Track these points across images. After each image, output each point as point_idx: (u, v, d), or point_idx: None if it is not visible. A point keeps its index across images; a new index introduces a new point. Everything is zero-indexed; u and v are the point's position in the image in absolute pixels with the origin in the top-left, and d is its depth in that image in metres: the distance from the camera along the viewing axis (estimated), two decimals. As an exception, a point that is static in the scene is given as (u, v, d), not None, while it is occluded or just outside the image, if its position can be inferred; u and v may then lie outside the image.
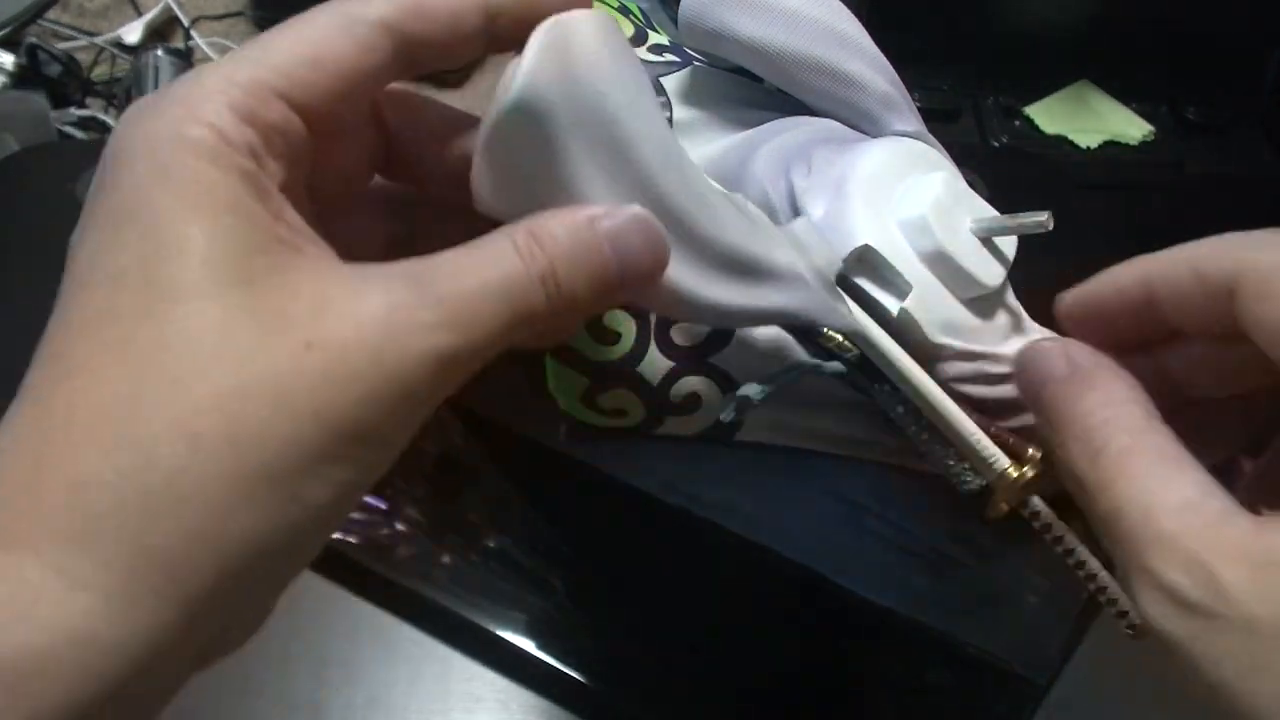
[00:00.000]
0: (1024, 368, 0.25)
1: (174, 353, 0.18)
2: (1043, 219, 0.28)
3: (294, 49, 0.21)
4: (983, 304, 0.29)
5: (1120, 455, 0.21)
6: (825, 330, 0.27)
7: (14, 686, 0.17)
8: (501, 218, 0.23)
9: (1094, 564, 0.27)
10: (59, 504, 0.18)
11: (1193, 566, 0.19)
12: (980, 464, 0.27)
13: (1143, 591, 0.20)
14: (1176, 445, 0.21)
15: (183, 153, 0.20)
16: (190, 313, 0.19)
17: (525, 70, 0.22)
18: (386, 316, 0.19)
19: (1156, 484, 0.21)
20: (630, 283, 0.22)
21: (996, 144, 0.87)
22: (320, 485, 0.19)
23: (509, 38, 0.23)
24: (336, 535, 0.41)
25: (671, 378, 0.29)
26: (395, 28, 0.22)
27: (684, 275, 0.24)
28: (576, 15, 0.22)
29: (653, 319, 0.30)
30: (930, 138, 0.32)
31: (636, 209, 0.22)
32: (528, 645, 0.39)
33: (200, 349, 0.18)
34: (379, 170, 0.26)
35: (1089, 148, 0.86)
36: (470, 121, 0.25)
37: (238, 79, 0.21)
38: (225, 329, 0.19)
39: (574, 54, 0.22)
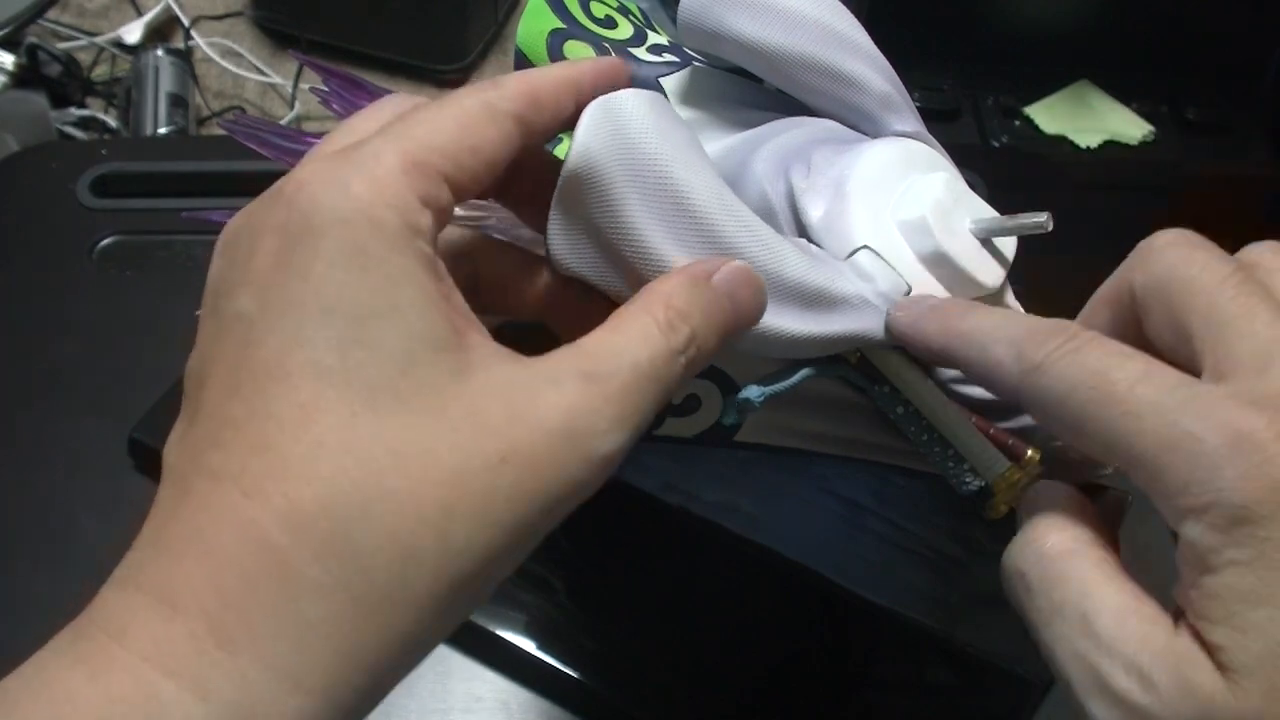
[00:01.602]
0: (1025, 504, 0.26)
1: (383, 464, 0.19)
2: (1042, 219, 0.28)
3: (457, 135, 0.22)
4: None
5: (1063, 557, 0.23)
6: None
7: None
8: (575, 272, 0.26)
9: (1094, 564, 0.27)
10: (278, 608, 0.19)
11: (1132, 670, 0.20)
12: (980, 464, 0.27)
13: (1090, 698, 0.21)
14: (1116, 561, 0.23)
15: (375, 240, 0.20)
16: (394, 424, 0.20)
17: (577, 140, 0.25)
18: (568, 425, 0.21)
19: (1096, 589, 0.22)
20: (744, 329, 0.24)
21: (996, 144, 0.87)
22: (493, 585, 0.21)
23: None
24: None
25: (671, 378, 0.29)
26: (521, 118, 0.24)
27: None
28: (622, 92, 0.25)
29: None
30: (930, 138, 0.32)
31: (738, 262, 0.24)
32: (528, 645, 0.39)
33: (405, 462, 0.19)
34: None
35: (1089, 148, 0.86)
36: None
37: (415, 158, 0.21)
38: (427, 440, 0.20)
39: (623, 121, 0.25)
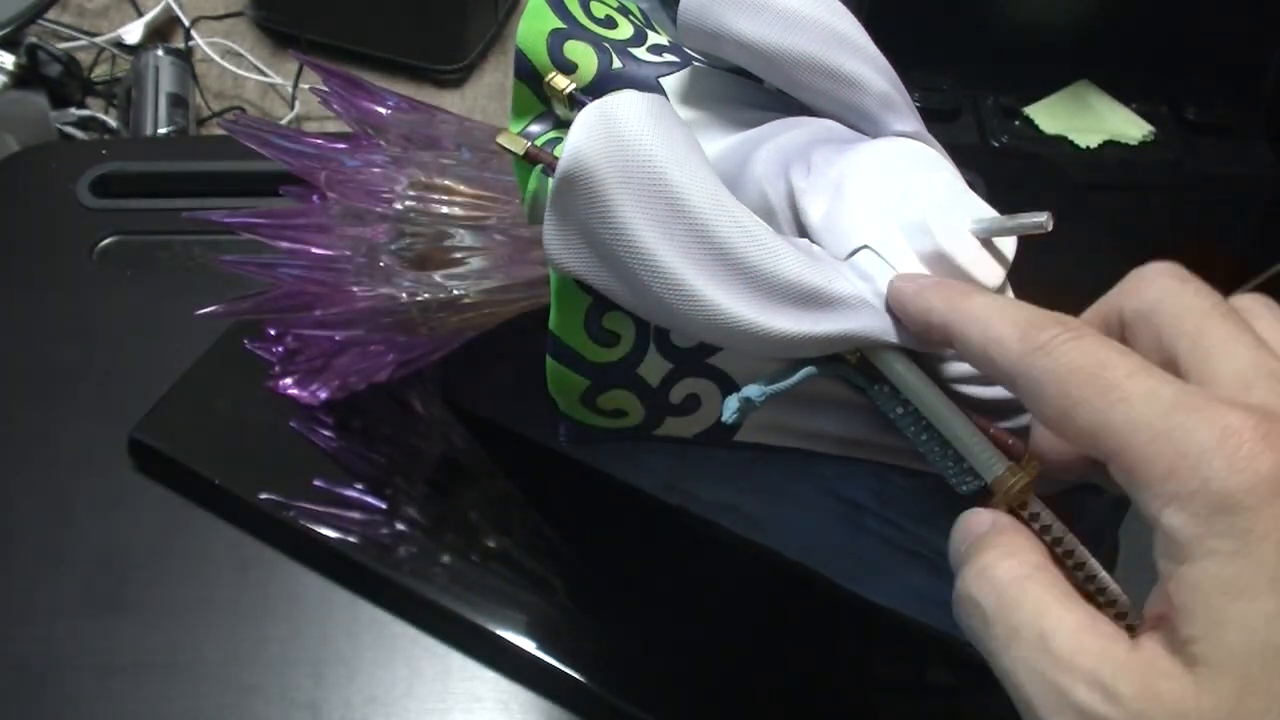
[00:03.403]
0: (955, 527, 0.26)
1: None
2: (1042, 219, 0.28)
3: None
4: (982, 304, 0.29)
5: (1017, 582, 0.23)
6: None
7: None
8: (571, 272, 0.27)
9: (1094, 565, 0.27)
10: None
11: (1094, 684, 0.20)
12: (980, 464, 0.27)
13: (1054, 715, 0.21)
14: (1066, 583, 0.23)
15: None
16: None
17: (570, 142, 0.25)
18: None
19: (1051, 609, 0.22)
20: None
21: (996, 144, 0.87)
22: None
23: None
24: (336, 535, 0.41)
25: (671, 379, 0.30)
26: None
27: (744, 309, 0.26)
28: (619, 95, 0.25)
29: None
30: (930, 138, 0.32)
31: None
32: (528, 645, 0.39)
33: None
34: None
35: (1089, 148, 0.86)
36: None
37: None
38: None
39: (618, 124, 0.25)
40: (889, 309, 0.28)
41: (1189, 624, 0.20)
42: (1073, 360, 0.22)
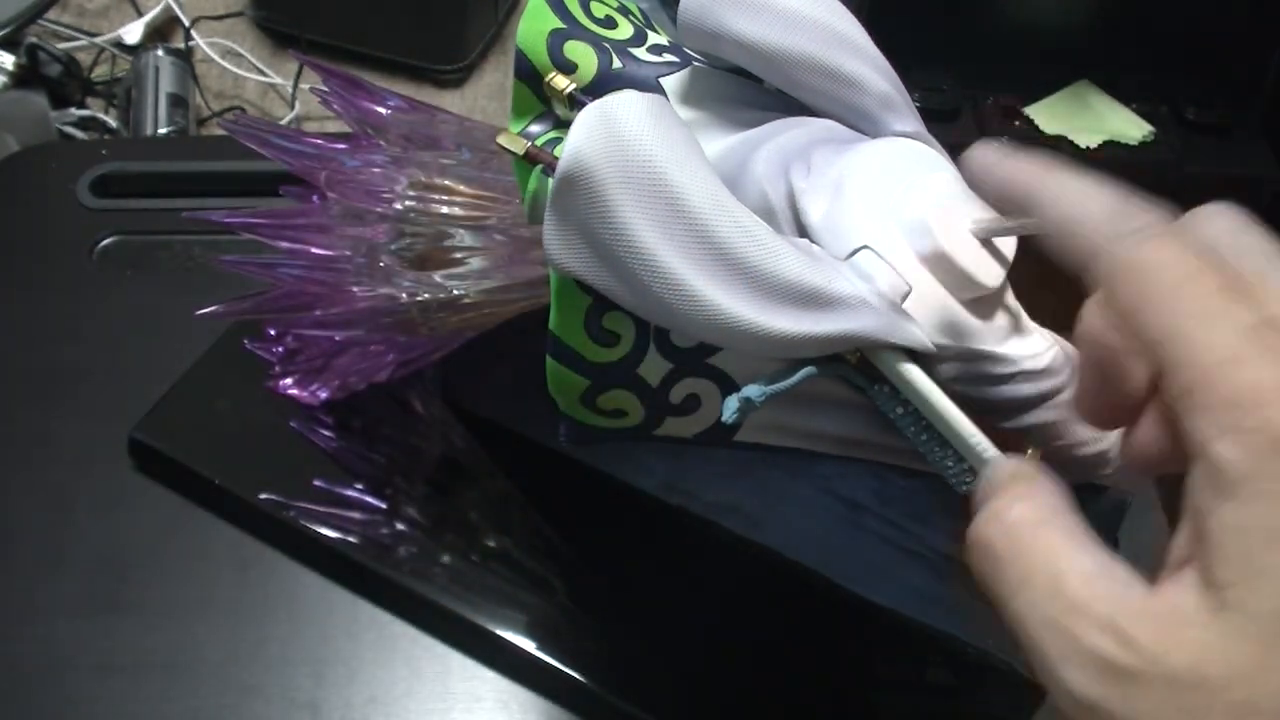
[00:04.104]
0: (982, 475, 0.26)
1: None
2: (1042, 219, 0.28)
3: None
4: (982, 304, 0.29)
5: (1031, 526, 0.22)
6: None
7: None
8: (570, 272, 0.27)
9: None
10: None
11: (1108, 629, 0.20)
12: (979, 465, 0.27)
13: (1063, 664, 0.20)
14: (1085, 529, 0.22)
15: None
16: None
17: (570, 142, 0.25)
18: None
19: (1065, 555, 0.21)
20: None
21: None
22: None
23: None
24: (336, 535, 0.41)
25: (671, 379, 0.30)
26: None
27: (744, 309, 0.26)
28: (619, 95, 0.25)
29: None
30: (930, 138, 0.32)
31: None
32: (528, 645, 0.39)
33: None
34: None
35: (1089, 148, 0.86)
36: None
37: None
38: None
39: (618, 124, 0.25)
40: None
41: (1225, 567, 0.19)
42: (1161, 258, 0.21)
